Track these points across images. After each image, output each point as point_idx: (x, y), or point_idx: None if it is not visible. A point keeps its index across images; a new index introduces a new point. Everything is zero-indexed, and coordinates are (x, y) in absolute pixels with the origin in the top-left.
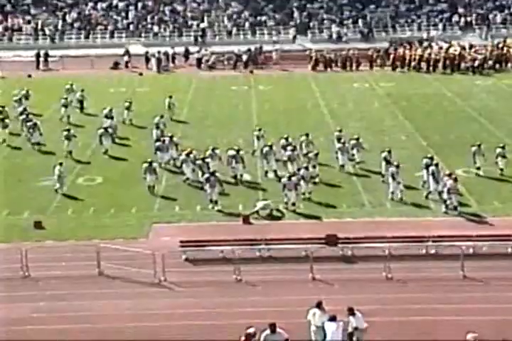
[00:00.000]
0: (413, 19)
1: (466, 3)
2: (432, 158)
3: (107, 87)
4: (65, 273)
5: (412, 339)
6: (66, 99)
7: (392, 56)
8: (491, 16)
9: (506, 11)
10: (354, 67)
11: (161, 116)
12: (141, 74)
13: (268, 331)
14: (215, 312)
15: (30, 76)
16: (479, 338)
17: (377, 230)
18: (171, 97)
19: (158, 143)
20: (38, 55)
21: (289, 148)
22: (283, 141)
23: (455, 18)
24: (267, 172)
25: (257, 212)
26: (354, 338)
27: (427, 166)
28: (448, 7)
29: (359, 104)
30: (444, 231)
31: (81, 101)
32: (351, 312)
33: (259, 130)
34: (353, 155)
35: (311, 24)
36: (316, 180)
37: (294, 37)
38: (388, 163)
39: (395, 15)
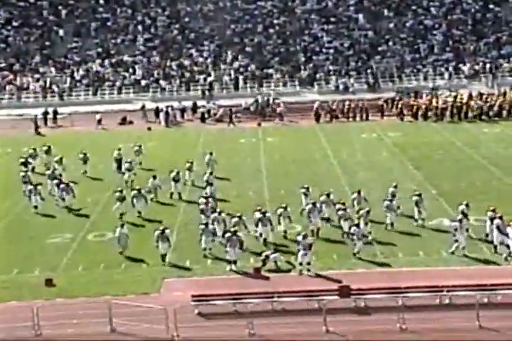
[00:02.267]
0: (419, 69)
1: (471, 52)
2: (494, 211)
3: (116, 142)
4: (77, 331)
5: None
6: (130, 163)
7: (399, 106)
8: (495, 65)
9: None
10: (363, 118)
11: (211, 173)
12: (149, 128)
13: None
14: None
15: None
16: None
17: (390, 281)
18: (211, 154)
19: (202, 206)
20: (46, 113)
21: (338, 206)
22: (323, 198)
23: (461, 67)
24: (318, 230)
25: (263, 263)
26: None
27: (492, 219)
28: (453, 56)
29: (368, 154)
30: (458, 280)
31: (119, 160)
32: None
33: (307, 188)
34: (420, 212)
35: (318, 76)
36: (369, 238)
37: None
38: (465, 216)
39: (400, 65)
